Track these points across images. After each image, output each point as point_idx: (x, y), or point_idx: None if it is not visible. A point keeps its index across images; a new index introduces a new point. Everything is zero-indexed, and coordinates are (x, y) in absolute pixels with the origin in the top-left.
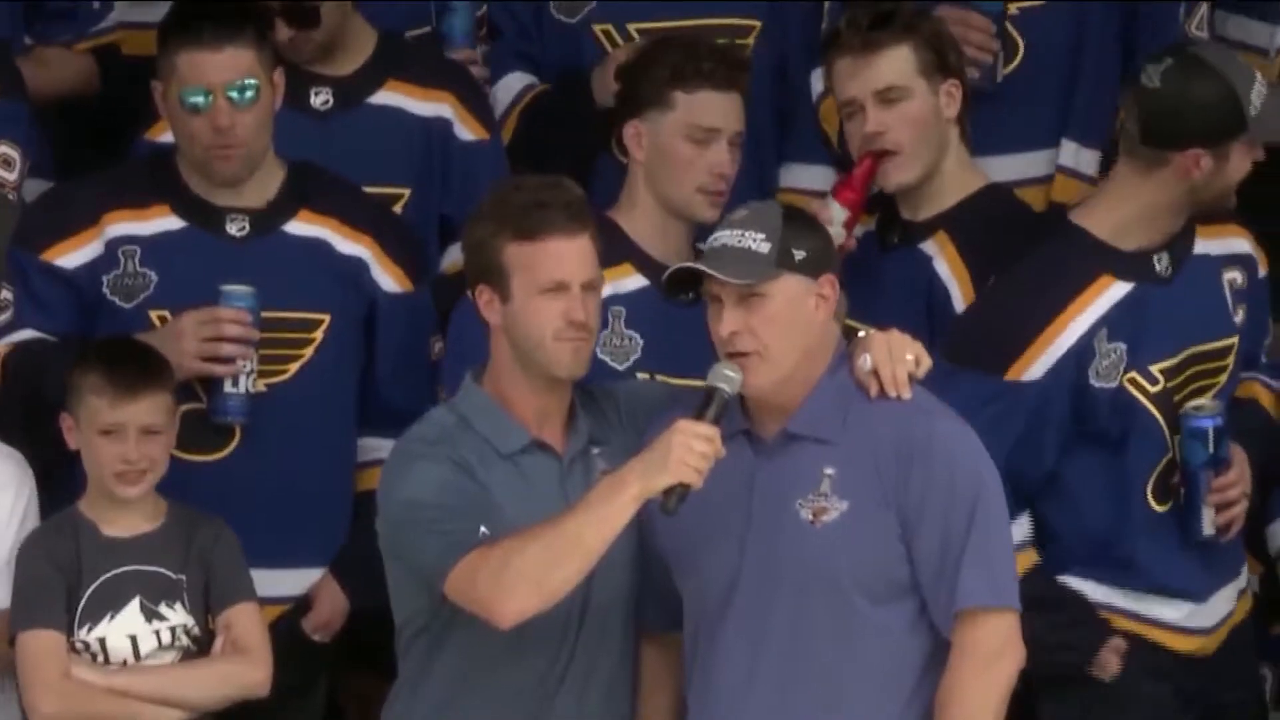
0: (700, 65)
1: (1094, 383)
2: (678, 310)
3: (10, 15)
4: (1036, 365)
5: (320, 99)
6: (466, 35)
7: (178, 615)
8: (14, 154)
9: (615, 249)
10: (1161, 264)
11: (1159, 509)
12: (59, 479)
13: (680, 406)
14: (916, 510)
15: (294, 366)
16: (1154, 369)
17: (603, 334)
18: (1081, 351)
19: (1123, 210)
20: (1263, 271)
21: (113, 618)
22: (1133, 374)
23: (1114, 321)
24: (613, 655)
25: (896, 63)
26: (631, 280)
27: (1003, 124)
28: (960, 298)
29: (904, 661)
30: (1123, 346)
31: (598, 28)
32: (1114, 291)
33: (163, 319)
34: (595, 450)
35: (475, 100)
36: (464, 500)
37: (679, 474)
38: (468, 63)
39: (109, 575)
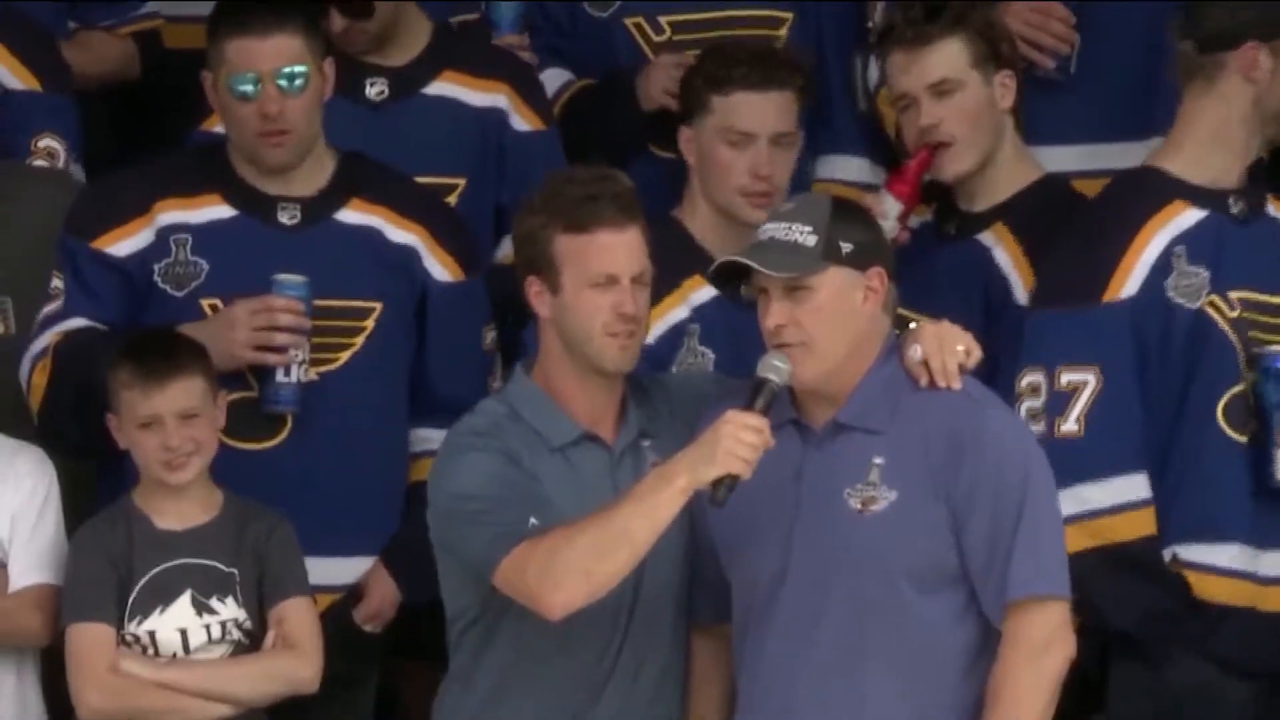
0: (732, 70)
1: (1174, 299)
2: (748, 320)
3: (57, 5)
4: (1129, 282)
5: (375, 89)
6: (515, 22)
7: (229, 609)
8: (59, 147)
9: (684, 258)
10: (1237, 207)
11: (1233, 435)
12: (110, 468)
13: (730, 398)
14: (966, 500)
15: (345, 355)
16: (1233, 295)
17: (678, 354)
18: (1163, 266)
19: (1192, 140)
20: None
21: (163, 611)
22: (1214, 297)
23: (1192, 244)
24: (663, 647)
25: (949, 55)
26: (703, 292)
27: (1060, 115)
28: (1021, 288)
29: (953, 650)
30: (1205, 272)
31: (629, 21)
32: (1189, 215)
33: (214, 307)
34: (645, 443)
35: (530, 90)
36: (513, 492)
37: (727, 465)
38: (516, 49)
39: (161, 568)
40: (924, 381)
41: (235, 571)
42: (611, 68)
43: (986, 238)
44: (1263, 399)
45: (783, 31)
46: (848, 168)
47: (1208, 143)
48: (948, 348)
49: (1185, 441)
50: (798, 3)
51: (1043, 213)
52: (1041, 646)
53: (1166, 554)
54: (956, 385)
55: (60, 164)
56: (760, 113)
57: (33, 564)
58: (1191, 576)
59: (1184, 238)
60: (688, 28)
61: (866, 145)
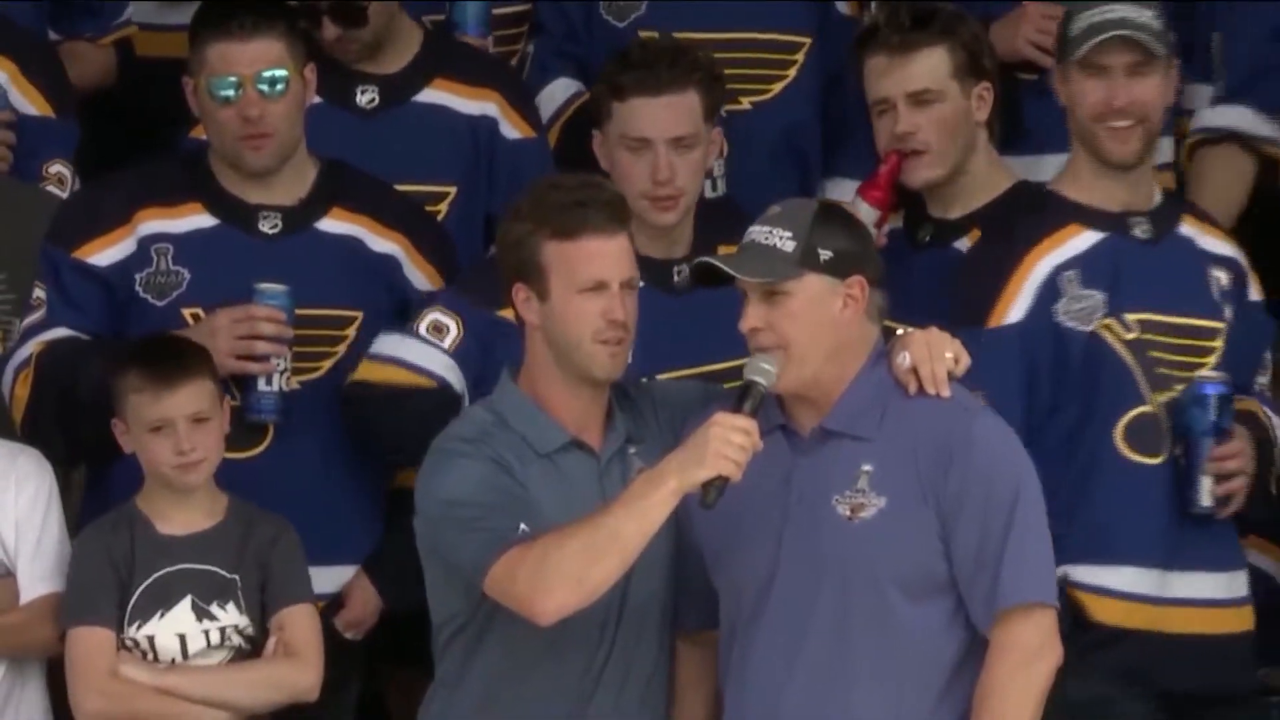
0: (625, 75)
1: (1065, 323)
2: (666, 303)
3: (37, 14)
4: (1014, 308)
5: (366, 97)
6: (480, 24)
7: (229, 615)
8: (67, 172)
9: None
10: (1141, 228)
11: (1134, 457)
12: (97, 476)
13: (717, 402)
14: (955, 507)
15: (327, 364)
16: (1130, 318)
17: None
18: (1050, 290)
19: (1081, 165)
20: (1255, 294)
21: (163, 616)
22: (1109, 320)
23: (1087, 267)
24: (650, 653)
25: (932, 65)
26: None
27: (1057, 123)
28: None
29: (939, 658)
30: (1100, 295)
31: (645, 34)
32: (1084, 239)
33: (195, 316)
34: (632, 449)
35: (521, 98)
36: (503, 498)
37: (717, 466)
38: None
39: (162, 573)
40: (913, 388)
41: (236, 577)
42: None
43: (964, 245)
44: (1190, 425)
45: (800, 55)
46: None
47: (1081, 165)
48: (936, 354)
49: (1081, 463)
50: (817, 27)
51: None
52: (1031, 654)
53: (1058, 573)
54: (946, 392)
55: (68, 189)
56: (655, 118)
57: (43, 574)
58: (1085, 598)
59: (1077, 261)
60: (705, 48)
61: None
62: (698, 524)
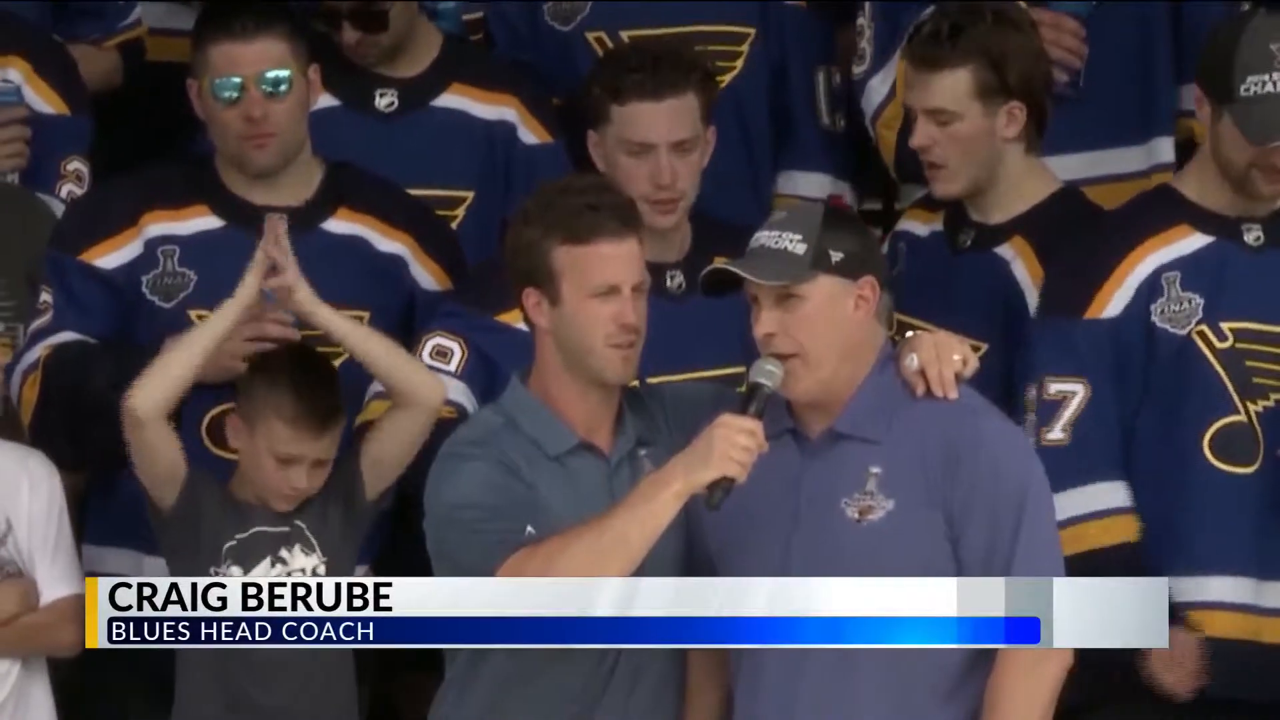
0: (624, 79)
1: (1159, 323)
2: (659, 307)
3: (40, 15)
4: (1113, 302)
5: (385, 101)
6: (451, 21)
7: (305, 559)
8: (84, 169)
9: None
10: (1251, 234)
11: (1223, 466)
12: (101, 482)
13: (725, 405)
14: (963, 509)
15: (335, 364)
16: (1225, 326)
17: None
18: (1151, 289)
19: (1202, 169)
20: None
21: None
22: (1203, 327)
23: (1189, 270)
24: (660, 654)
25: (951, 86)
26: None
27: (1061, 123)
28: (1037, 302)
29: (948, 660)
30: (1198, 299)
31: (591, 35)
32: (1191, 241)
33: (202, 318)
34: (643, 451)
35: (539, 103)
36: (510, 501)
37: (722, 468)
38: None
39: (237, 538)
40: (920, 391)
41: (301, 524)
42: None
43: (1006, 251)
44: None
45: (744, 47)
46: (809, 183)
47: (1213, 174)
48: (944, 357)
49: (1172, 471)
50: (760, 18)
51: (1063, 226)
52: (1040, 656)
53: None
54: (953, 395)
55: (85, 185)
56: (656, 123)
57: (62, 575)
58: (1196, 615)
59: (1181, 263)
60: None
61: (828, 161)
62: (707, 526)
